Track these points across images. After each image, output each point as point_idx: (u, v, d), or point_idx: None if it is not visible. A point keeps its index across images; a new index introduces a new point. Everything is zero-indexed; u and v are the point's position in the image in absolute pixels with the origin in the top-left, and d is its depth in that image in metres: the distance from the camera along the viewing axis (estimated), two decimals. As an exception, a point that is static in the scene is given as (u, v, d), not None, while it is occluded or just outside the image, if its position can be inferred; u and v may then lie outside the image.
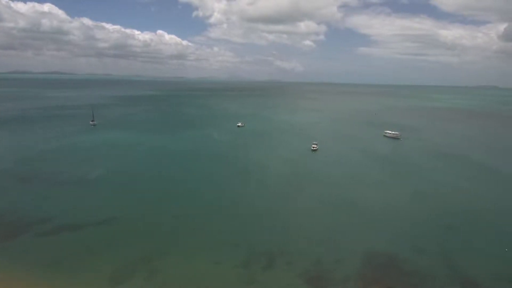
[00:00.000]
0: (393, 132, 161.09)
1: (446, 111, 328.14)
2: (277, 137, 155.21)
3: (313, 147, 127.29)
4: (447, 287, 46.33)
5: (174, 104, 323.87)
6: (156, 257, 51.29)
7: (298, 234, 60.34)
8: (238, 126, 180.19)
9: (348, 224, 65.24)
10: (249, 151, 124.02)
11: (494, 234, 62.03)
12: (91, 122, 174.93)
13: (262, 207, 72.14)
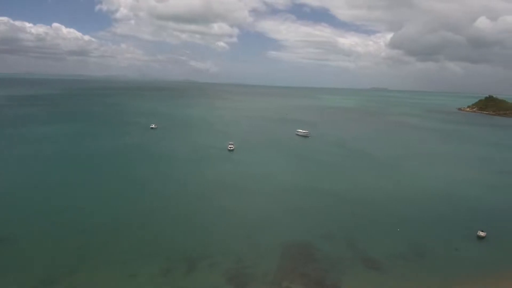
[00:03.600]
0: (303, 131, 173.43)
1: (344, 110, 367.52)
2: (193, 138, 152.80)
3: (230, 147, 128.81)
4: (351, 267, 52.02)
5: (75, 105, 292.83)
6: (61, 277, 45.86)
7: (218, 235, 60.57)
8: (152, 128, 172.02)
9: (265, 219, 67.88)
10: (163, 154, 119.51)
11: (387, 216, 71.74)
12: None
13: (179, 212, 70.34)
